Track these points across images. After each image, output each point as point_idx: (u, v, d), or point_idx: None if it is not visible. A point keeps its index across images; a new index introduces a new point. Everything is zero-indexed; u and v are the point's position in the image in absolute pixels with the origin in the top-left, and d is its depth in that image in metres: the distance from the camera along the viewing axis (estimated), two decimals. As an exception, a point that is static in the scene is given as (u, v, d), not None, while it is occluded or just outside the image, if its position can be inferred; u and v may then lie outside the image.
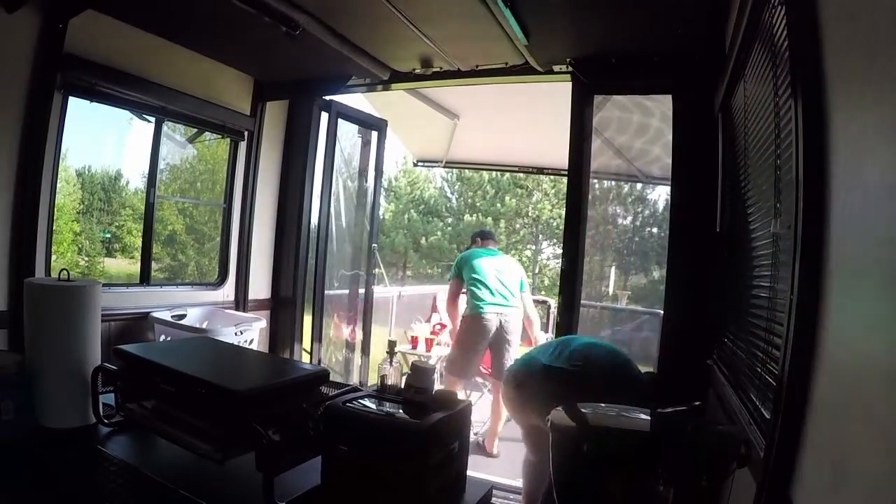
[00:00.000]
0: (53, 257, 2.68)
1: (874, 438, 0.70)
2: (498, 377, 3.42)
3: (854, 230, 0.84)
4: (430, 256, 18.05)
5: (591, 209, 2.87)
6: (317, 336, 3.74)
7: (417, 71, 3.16)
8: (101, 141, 18.84)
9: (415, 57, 2.99)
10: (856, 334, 0.81)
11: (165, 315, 3.05)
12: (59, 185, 2.89)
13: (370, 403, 1.17)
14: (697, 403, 1.47)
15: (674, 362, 2.52)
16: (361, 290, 4.11)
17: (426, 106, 4.14)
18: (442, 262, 17.13)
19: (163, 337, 2.94)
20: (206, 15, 2.61)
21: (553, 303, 5.20)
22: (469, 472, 1.24)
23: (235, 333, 3.01)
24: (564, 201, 3.10)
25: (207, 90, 3.28)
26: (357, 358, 4.06)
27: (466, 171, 17.01)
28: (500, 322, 3.58)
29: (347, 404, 1.13)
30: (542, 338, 3.93)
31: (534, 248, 18.41)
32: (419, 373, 1.18)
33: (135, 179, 14.82)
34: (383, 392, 1.24)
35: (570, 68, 2.74)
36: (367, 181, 4.13)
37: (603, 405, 1.28)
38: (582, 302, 2.86)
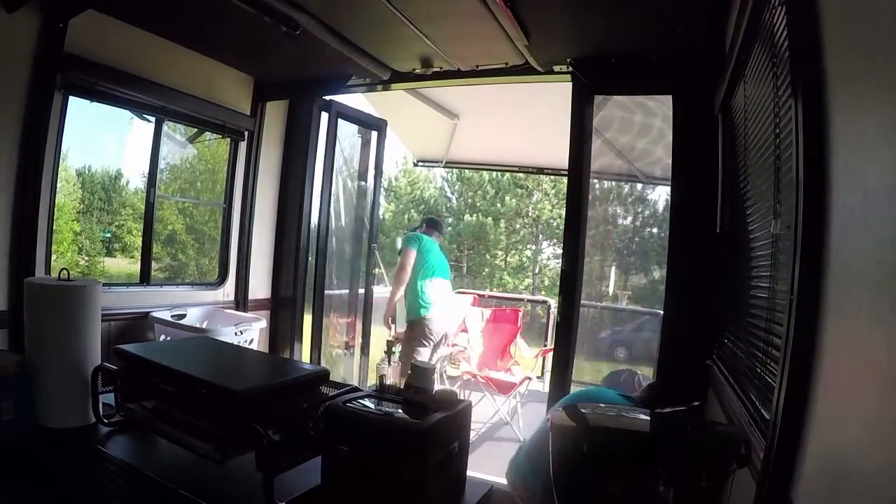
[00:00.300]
0: (53, 257, 2.68)
1: (874, 439, 0.70)
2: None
3: (854, 231, 0.84)
4: (430, 256, 18.01)
5: (591, 209, 2.87)
6: (317, 336, 3.74)
7: (417, 71, 3.16)
8: (102, 141, 18.93)
9: (415, 57, 2.99)
10: (856, 334, 0.81)
11: (165, 315, 3.05)
12: (59, 185, 2.90)
13: (370, 403, 1.17)
14: (697, 403, 1.46)
15: (674, 362, 2.52)
16: (361, 290, 4.11)
17: (426, 106, 4.14)
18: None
19: (163, 337, 2.94)
20: (206, 15, 2.62)
21: (553, 303, 5.20)
22: (469, 472, 1.24)
23: (235, 333, 3.01)
24: (564, 201, 3.10)
25: (208, 90, 3.28)
26: (357, 358, 4.06)
27: (466, 171, 17.01)
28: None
29: (347, 404, 1.13)
30: None
31: (534, 248, 18.44)
32: (419, 373, 1.18)
33: (135, 179, 14.90)
34: (382, 392, 1.24)
35: (571, 68, 2.74)
36: (366, 181, 4.13)
37: (603, 405, 1.28)
38: (582, 302, 2.87)
